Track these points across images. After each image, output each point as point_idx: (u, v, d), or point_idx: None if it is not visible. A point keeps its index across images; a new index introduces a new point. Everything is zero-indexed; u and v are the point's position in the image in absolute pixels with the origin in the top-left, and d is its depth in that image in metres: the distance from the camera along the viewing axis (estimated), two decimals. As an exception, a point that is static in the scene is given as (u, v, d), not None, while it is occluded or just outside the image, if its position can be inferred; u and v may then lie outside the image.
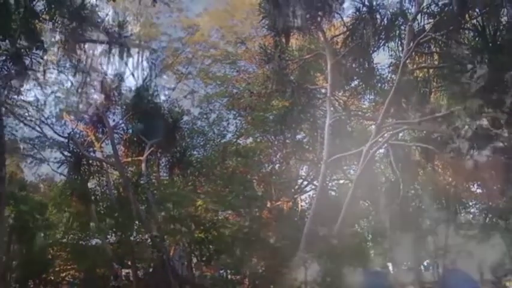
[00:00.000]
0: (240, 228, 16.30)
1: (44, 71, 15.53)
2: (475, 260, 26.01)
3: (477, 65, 13.21)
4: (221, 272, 17.49)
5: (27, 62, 12.90)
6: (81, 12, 14.38)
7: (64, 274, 17.58)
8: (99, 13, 16.85)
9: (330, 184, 17.24)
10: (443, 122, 15.20)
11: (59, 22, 13.88)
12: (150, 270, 15.53)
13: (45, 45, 13.51)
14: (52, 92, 16.91)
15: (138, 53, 17.93)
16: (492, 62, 12.75)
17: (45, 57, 14.13)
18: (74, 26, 14.48)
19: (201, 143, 17.61)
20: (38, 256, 17.32)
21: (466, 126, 14.83)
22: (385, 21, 13.27)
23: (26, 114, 16.37)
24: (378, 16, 13.22)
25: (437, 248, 23.90)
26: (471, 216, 21.22)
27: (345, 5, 13.81)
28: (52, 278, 17.66)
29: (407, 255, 24.59)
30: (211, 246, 15.79)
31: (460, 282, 23.74)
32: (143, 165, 15.10)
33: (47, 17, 13.59)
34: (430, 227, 21.86)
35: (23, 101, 15.54)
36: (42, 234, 18.07)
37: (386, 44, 13.69)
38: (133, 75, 17.04)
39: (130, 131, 16.35)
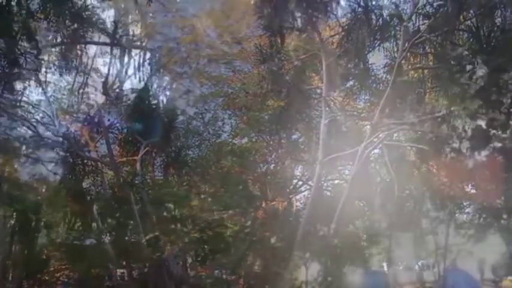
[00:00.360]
0: (241, 229, 16.34)
1: (40, 71, 15.59)
2: (473, 259, 26.28)
3: (476, 65, 13.35)
4: (216, 272, 17.46)
5: (21, 61, 12.83)
6: (76, 11, 14.43)
7: (58, 274, 17.57)
8: (94, 12, 17.07)
9: (325, 184, 17.25)
10: (441, 123, 15.30)
11: (54, 21, 13.86)
12: (145, 270, 15.51)
13: (39, 45, 13.52)
14: (47, 92, 16.87)
15: (134, 53, 17.98)
16: (487, 63, 12.87)
17: (39, 57, 14.14)
18: (69, 25, 14.54)
19: (196, 143, 17.61)
20: (32, 256, 17.37)
21: (466, 127, 14.94)
22: (380, 22, 13.31)
23: (21, 113, 16.29)
24: (373, 17, 13.27)
25: (437, 247, 24.06)
26: (465, 216, 21.33)
27: (341, 5, 13.90)
28: (46, 278, 17.67)
29: (402, 255, 24.74)
30: (206, 246, 15.77)
31: (460, 282, 23.86)
32: (138, 164, 15.10)
33: (42, 16, 13.56)
34: (425, 227, 22.00)
35: (18, 100, 15.50)
36: (36, 234, 18.07)
37: (382, 45, 13.74)
38: (128, 75, 17.04)
39: (125, 130, 16.35)
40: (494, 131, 15.16)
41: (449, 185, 16.46)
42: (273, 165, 17.86)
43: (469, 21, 12.54)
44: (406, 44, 12.87)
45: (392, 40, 13.48)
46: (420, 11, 13.04)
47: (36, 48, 13.23)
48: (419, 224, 21.56)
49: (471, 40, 13.11)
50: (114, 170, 15.53)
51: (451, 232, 21.40)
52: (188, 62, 17.54)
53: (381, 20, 13.27)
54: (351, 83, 15.09)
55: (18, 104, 16.10)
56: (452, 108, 14.31)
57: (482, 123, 14.64)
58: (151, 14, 18.11)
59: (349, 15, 13.75)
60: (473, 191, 17.15)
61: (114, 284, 16.35)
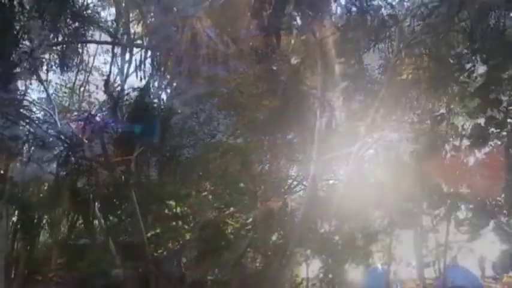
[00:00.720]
0: (242, 226, 16.46)
1: (40, 69, 15.70)
2: (474, 256, 26.34)
3: (476, 63, 13.45)
4: (216, 270, 17.57)
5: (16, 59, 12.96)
6: (77, 10, 14.60)
7: (52, 274, 17.74)
8: (95, 11, 17.21)
9: (319, 185, 17.23)
10: (438, 122, 15.37)
11: (55, 20, 13.98)
12: (142, 269, 15.60)
13: (38, 44, 13.63)
14: (45, 91, 17.00)
15: (134, 51, 18.05)
16: (483, 62, 12.94)
17: (39, 55, 14.25)
18: (70, 23, 14.70)
19: (191, 143, 17.58)
20: (33, 254, 17.62)
21: (467, 124, 15.03)
22: (376, 23, 13.35)
23: (22, 112, 16.43)
24: (369, 18, 13.30)
25: (437, 245, 24.16)
26: (461, 215, 21.36)
27: (337, 6, 13.94)
28: (46, 276, 17.87)
29: (402, 252, 24.82)
30: (203, 245, 15.89)
31: (460, 279, 23.97)
32: (132, 164, 15.18)
33: (43, 15, 13.67)
34: (424, 225, 22.08)
35: (12, 99, 15.62)
36: (37, 232, 18.31)
37: (377, 46, 13.78)
38: (124, 74, 17.11)
39: (121, 129, 16.38)
40: (494, 129, 15.26)
41: (443, 185, 16.54)
42: (267, 165, 17.86)
43: (463, 23, 12.59)
44: (401, 45, 12.95)
45: (387, 41, 13.54)
46: (414, 12, 13.11)
47: (32, 48, 13.35)
48: (418, 222, 21.64)
49: (467, 41, 13.16)
50: (108, 169, 15.59)
51: (444, 230, 21.49)
52: (186, 61, 17.52)
53: (376, 21, 13.34)
54: (347, 83, 15.12)
55: (18, 103, 16.22)
56: (450, 108, 14.36)
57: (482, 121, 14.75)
58: (152, 13, 18.13)
59: (345, 16, 13.81)
60: (467, 190, 17.21)
61: (110, 283, 16.44)
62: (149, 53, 17.25)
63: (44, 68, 16.11)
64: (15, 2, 12.99)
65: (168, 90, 18.79)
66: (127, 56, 17.72)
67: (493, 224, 20.17)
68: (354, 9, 13.49)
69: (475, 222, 19.87)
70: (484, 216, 19.12)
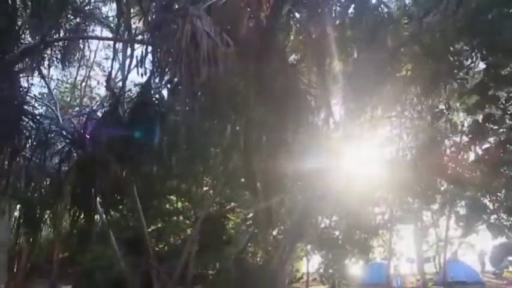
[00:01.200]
0: (242, 221, 16.55)
1: (42, 65, 15.80)
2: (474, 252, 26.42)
3: (476, 61, 13.49)
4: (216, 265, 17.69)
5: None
6: (78, 5, 14.69)
7: (54, 268, 17.92)
8: (96, 7, 17.27)
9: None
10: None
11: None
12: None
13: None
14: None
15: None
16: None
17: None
18: (71, 19, 14.80)
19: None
20: (36, 248, 17.80)
21: (468, 120, 15.07)
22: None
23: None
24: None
25: (438, 240, 24.30)
26: (461, 211, 21.46)
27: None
28: (42, 271, 18.06)
29: (398, 248, 24.94)
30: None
31: (460, 274, 24.09)
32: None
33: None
34: (422, 221, 22.18)
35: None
36: (40, 227, 18.46)
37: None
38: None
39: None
40: (492, 126, 15.31)
41: (442, 181, 16.59)
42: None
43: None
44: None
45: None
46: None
47: (34, 43, 13.45)
48: (419, 217, 21.74)
49: (465, 39, 13.20)
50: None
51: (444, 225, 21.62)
52: (186, 59, 17.55)
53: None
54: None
55: (20, 98, 16.34)
56: (449, 104, 14.38)
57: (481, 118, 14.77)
58: (153, 10, 18.16)
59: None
60: (466, 186, 17.26)
61: (112, 277, 16.60)
62: (153, 49, 17.40)
63: (46, 63, 16.23)
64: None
65: (169, 86, 18.92)
66: (128, 52, 17.82)
67: (490, 220, 20.27)
68: (352, 6, 13.51)
69: (473, 217, 19.97)
70: (483, 212, 19.21)
